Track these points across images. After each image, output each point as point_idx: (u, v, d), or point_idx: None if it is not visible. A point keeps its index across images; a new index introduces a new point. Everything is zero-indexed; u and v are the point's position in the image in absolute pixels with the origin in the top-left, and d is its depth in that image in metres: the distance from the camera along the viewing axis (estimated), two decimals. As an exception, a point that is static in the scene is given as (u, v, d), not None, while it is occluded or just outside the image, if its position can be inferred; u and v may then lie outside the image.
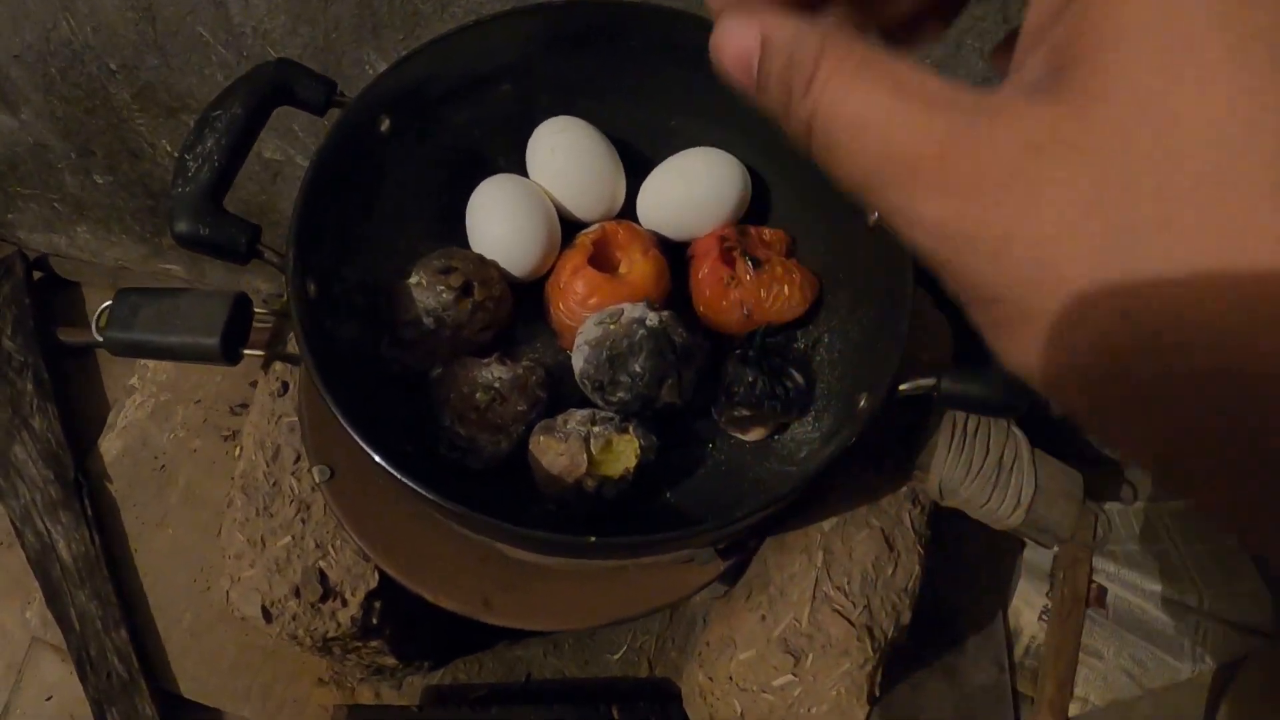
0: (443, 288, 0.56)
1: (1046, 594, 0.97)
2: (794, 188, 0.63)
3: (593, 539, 0.45)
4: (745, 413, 0.56)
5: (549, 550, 0.53)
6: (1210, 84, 0.13)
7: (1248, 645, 0.98)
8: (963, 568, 0.96)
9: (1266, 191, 0.13)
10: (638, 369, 0.53)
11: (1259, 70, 0.13)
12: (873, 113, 0.17)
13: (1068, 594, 0.97)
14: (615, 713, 0.73)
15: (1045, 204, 0.15)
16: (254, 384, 0.73)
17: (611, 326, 0.54)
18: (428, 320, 0.57)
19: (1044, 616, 0.97)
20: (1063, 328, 0.15)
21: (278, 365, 0.70)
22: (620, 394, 0.54)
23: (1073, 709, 0.94)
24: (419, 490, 0.46)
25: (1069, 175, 0.15)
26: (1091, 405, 0.16)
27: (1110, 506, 1.03)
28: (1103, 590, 0.99)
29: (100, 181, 1.00)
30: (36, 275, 1.10)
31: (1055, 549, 0.99)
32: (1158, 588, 1.00)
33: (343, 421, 0.48)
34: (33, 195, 1.04)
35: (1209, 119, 0.14)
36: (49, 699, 0.93)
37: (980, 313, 0.17)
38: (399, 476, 0.47)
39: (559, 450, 0.53)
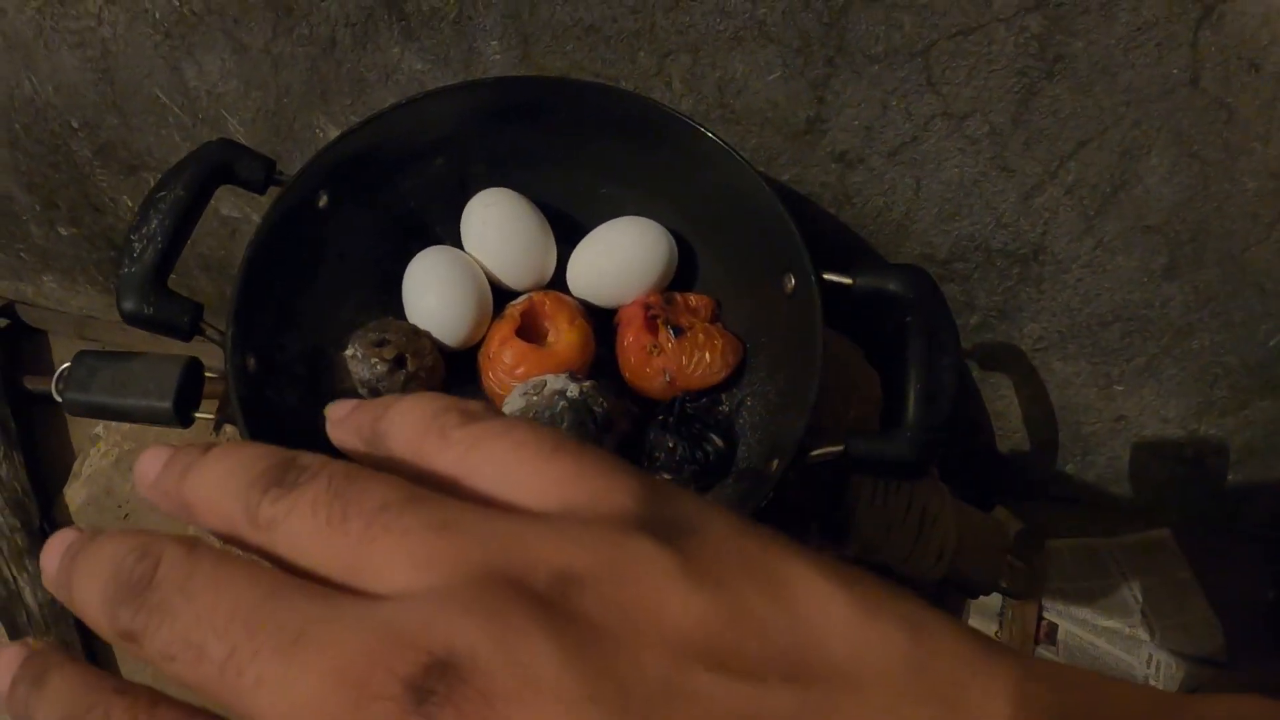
0: (376, 360, 0.58)
1: (995, 633, 0.99)
2: (719, 254, 0.65)
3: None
4: (666, 477, 0.58)
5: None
6: None
7: (1200, 676, 1.00)
8: (910, 608, 0.98)
9: None
10: (559, 440, 0.55)
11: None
12: None
13: (1017, 632, 0.98)
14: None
15: None
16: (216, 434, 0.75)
17: (534, 398, 0.56)
18: (363, 391, 0.59)
19: (992, 654, 0.98)
20: None
21: (228, 427, 0.72)
22: (543, 463, 0.55)
23: (1023, 745, 0.95)
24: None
25: None
26: None
27: (1058, 543, 1.04)
28: (1053, 627, 1.00)
29: (64, 233, 1.02)
30: (3, 323, 1.12)
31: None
32: (1108, 623, 1.01)
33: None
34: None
35: None
36: (15, 746, 0.94)
37: None
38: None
39: (485, 519, 0.54)
